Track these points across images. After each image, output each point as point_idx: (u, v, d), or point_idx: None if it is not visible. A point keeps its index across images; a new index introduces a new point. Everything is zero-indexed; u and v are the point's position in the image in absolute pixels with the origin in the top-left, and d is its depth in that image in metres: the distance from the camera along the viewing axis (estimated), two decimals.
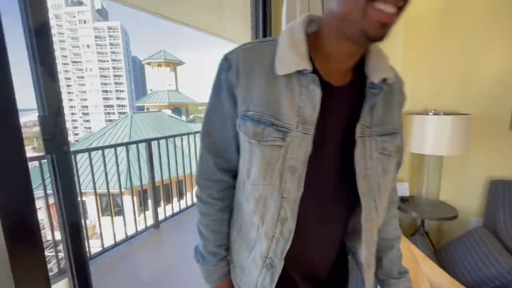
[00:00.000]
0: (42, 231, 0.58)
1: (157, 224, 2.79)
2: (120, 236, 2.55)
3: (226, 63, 0.50)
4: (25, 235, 0.54)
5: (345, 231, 0.59)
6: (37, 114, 0.66)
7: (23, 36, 0.65)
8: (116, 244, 2.42)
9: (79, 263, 0.77)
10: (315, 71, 0.47)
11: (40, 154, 2.00)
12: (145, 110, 19.34)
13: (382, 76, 0.48)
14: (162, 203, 3.37)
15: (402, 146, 0.59)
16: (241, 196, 0.56)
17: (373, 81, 0.49)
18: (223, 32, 3.07)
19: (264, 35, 1.50)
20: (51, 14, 54.61)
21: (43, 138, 0.66)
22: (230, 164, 0.57)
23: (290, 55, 0.46)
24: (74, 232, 0.73)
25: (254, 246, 0.55)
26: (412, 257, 1.07)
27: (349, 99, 0.50)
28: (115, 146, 2.56)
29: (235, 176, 0.58)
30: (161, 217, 2.89)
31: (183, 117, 19.02)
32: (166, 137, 3.10)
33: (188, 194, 3.76)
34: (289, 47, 0.47)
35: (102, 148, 2.43)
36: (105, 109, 56.84)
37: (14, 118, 0.51)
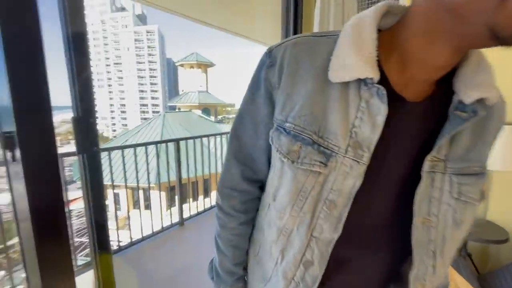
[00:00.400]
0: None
1: (182, 221, 2.87)
2: (147, 231, 2.65)
3: (269, 59, 0.41)
4: (52, 229, 0.55)
5: None
6: (72, 116, 0.69)
7: (62, 41, 0.69)
8: (143, 239, 2.52)
9: (104, 257, 0.79)
10: (383, 80, 0.35)
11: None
12: (177, 110, 20.22)
13: (479, 96, 0.34)
14: (189, 200, 3.46)
15: (485, 190, 0.46)
16: (264, 217, 0.48)
17: (462, 99, 0.35)
18: (252, 34, 3.08)
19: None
20: (98, 20, 59.58)
21: (76, 138, 0.69)
22: (258, 176, 0.49)
23: (351, 57, 0.35)
24: (100, 227, 0.75)
25: (270, 279, 0.46)
26: (454, 284, 0.95)
27: (426, 120, 0.38)
28: (146, 144, 2.68)
29: (262, 187, 0.50)
30: (186, 215, 2.96)
31: (212, 118, 19.55)
32: (194, 138, 3.18)
33: (213, 192, 3.82)
34: (351, 47, 0.35)
35: (134, 146, 2.56)
36: (141, 108, 60.46)
37: (47, 115, 0.53)
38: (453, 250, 0.42)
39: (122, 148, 2.48)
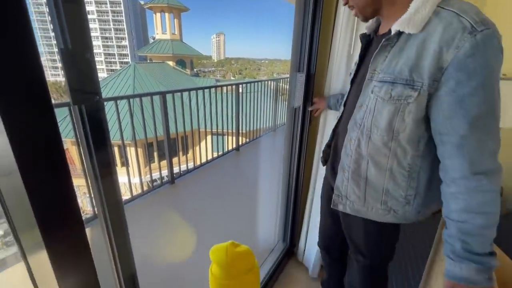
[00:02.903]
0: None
1: (172, 180, 2.76)
2: (136, 189, 2.53)
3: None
4: (53, 174, 0.40)
5: None
6: (57, 48, 0.47)
7: None
8: (133, 198, 2.41)
9: (114, 209, 0.65)
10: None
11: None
12: (148, 61, 18.46)
13: (396, 29, 0.64)
14: (178, 156, 3.29)
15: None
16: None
17: (391, 32, 0.67)
18: None
19: None
20: None
21: (69, 83, 0.48)
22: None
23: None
24: (108, 178, 0.60)
25: None
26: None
27: (376, 47, 0.71)
28: (141, 96, 2.44)
29: None
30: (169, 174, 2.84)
31: (187, 71, 18.24)
32: (181, 91, 2.87)
33: (202, 148, 3.68)
34: None
35: (128, 97, 2.33)
36: (106, 58, 54.57)
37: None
38: (375, 135, 0.72)
39: (115, 99, 2.22)
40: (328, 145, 1.02)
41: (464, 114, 0.56)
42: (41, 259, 0.41)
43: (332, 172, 0.94)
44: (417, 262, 1.33)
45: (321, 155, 1.08)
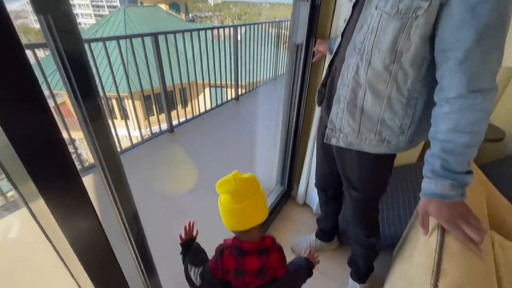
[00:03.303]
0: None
1: (171, 128, 2.74)
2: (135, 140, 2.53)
3: None
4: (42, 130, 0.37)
5: None
6: None
7: None
8: (133, 146, 2.42)
9: (110, 158, 0.65)
10: None
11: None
12: (139, 4, 16.86)
13: None
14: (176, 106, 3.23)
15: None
16: None
17: None
18: None
19: None
20: None
21: None
22: None
23: None
24: (97, 120, 0.57)
25: None
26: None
27: None
28: (131, 37, 2.26)
29: None
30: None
31: (182, 15, 16.81)
32: (174, 32, 2.63)
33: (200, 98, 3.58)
34: None
35: (117, 38, 2.16)
36: (93, 1, 49.86)
37: None
38: (376, 59, 0.70)
39: (103, 40, 2.07)
40: (324, 84, 0.99)
41: (474, 24, 0.55)
42: (40, 206, 0.40)
43: (327, 108, 0.91)
44: (409, 200, 1.38)
45: (316, 95, 1.05)
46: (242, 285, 0.72)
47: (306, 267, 0.85)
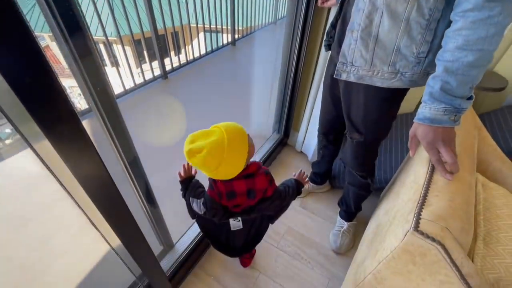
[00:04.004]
0: None
1: (165, 75, 2.62)
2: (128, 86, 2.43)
3: None
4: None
5: None
6: None
7: None
8: (126, 92, 2.34)
9: (107, 101, 0.65)
10: None
11: None
12: None
13: None
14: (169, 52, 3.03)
15: None
16: None
17: None
18: None
19: None
20: None
21: None
22: None
23: None
24: (87, 57, 0.54)
25: None
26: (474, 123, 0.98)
27: None
28: None
29: None
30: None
31: None
32: None
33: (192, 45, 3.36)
34: None
35: None
36: None
37: None
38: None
39: None
40: (333, 25, 0.93)
41: None
42: (45, 146, 0.40)
43: (338, 48, 0.86)
44: (402, 149, 1.42)
45: (325, 38, 0.99)
46: (236, 206, 0.81)
47: (295, 186, 0.93)
